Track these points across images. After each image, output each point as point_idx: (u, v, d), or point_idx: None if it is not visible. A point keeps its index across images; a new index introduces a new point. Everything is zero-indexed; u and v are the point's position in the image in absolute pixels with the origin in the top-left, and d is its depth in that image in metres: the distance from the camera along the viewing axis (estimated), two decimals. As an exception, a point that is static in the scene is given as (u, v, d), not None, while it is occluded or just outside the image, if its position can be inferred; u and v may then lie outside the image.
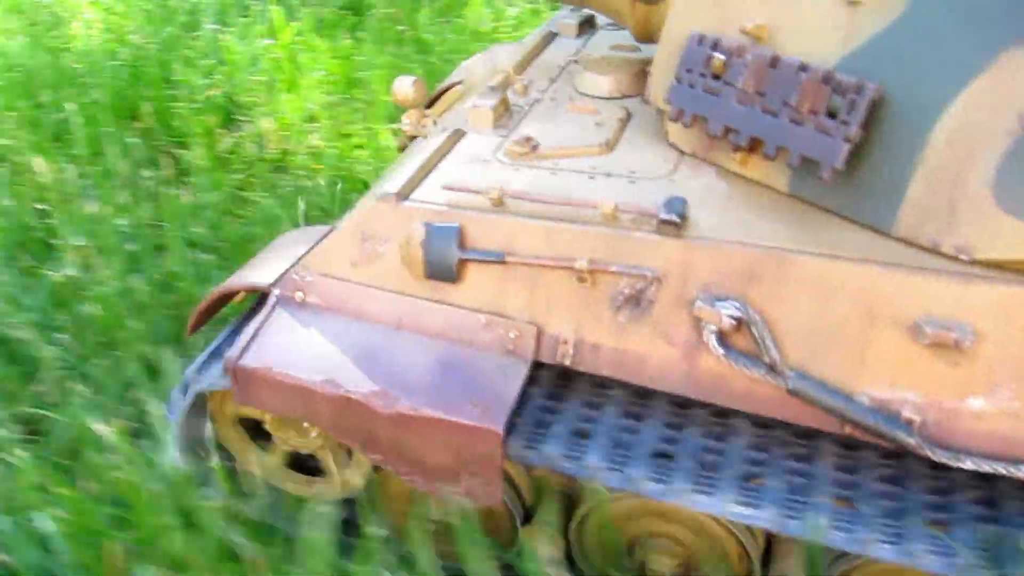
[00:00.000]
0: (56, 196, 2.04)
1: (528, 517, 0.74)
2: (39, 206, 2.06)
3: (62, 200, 2.02)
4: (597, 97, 0.80)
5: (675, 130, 0.69)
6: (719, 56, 0.57)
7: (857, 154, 0.49)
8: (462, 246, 0.57)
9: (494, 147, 0.68)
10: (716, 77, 0.55)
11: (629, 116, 0.78)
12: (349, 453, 0.81)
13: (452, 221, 0.56)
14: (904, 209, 0.46)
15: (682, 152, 0.66)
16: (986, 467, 0.44)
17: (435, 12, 3.03)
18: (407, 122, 0.85)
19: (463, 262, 0.58)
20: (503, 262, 0.55)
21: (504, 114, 0.77)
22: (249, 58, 2.69)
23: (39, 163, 2.11)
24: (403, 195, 0.61)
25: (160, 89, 2.56)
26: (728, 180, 0.58)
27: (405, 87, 0.77)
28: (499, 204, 0.57)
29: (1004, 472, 0.44)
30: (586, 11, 1.21)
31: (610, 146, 0.72)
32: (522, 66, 0.97)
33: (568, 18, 1.19)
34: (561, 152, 0.66)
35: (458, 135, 0.76)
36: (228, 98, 2.60)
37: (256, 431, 0.92)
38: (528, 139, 0.70)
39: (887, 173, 0.47)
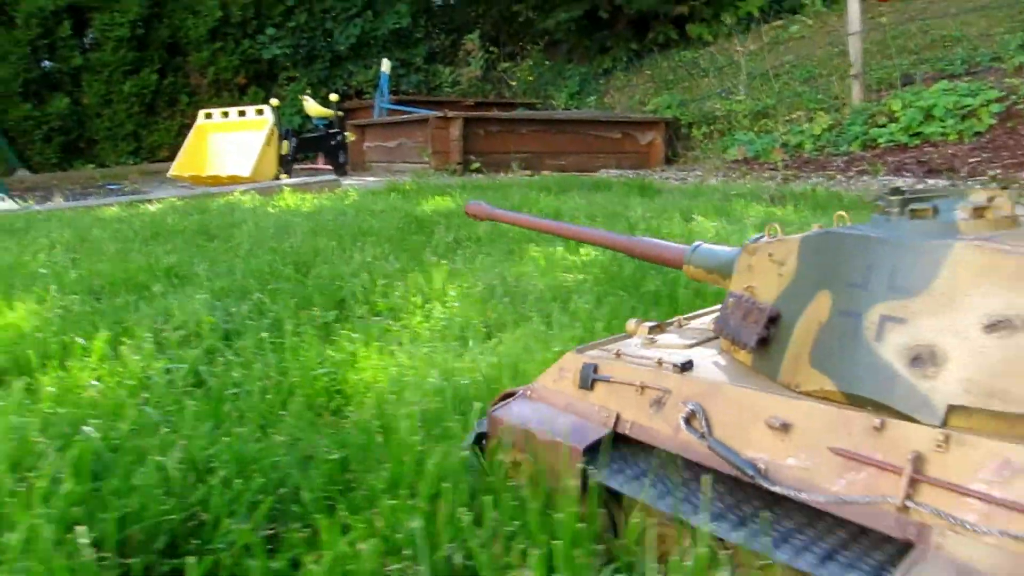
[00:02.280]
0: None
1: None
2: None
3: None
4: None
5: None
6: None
7: (764, 342, 0.99)
8: (595, 372, 1.11)
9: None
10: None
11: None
12: None
13: (593, 361, 1.11)
14: (782, 368, 0.95)
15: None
16: (791, 494, 0.84)
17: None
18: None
19: (594, 381, 1.11)
20: (609, 382, 1.09)
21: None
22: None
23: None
24: (581, 351, 1.17)
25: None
26: (724, 356, 1.09)
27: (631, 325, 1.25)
28: (617, 356, 1.11)
29: (796, 496, 0.84)
30: None
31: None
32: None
33: None
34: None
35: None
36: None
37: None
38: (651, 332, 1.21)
39: (777, 352, 0.97)
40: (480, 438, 1.21)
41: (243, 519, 0.97)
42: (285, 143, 6.87)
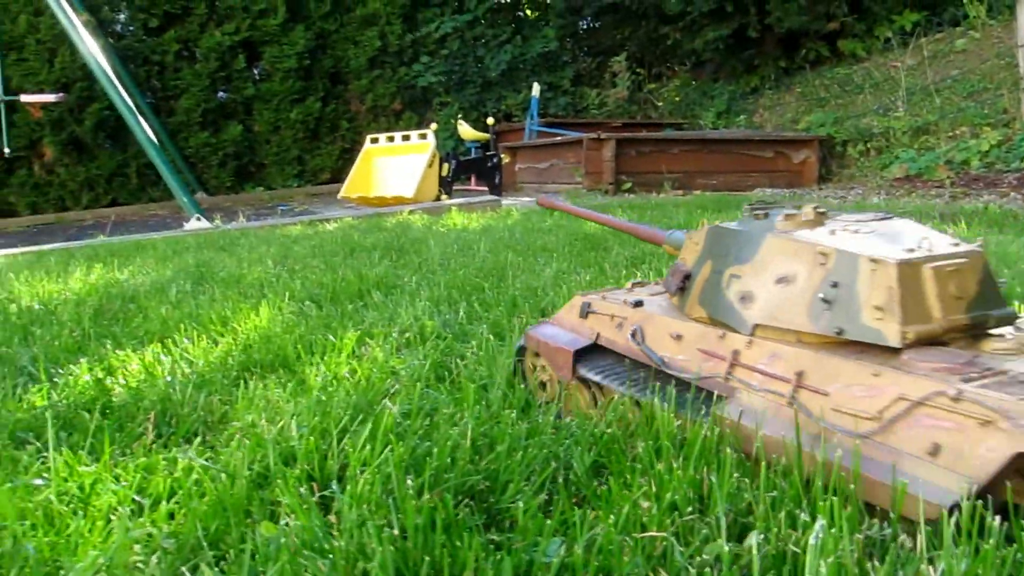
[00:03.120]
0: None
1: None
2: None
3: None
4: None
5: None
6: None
7: (681, 290, 1.46)
8: (588, 307, 1.61)
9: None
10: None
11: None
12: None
13: (588, 300, 1.62)
14: (687, 306, 1.44)
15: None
16: (677, 374, 1.37)
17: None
18: None
19: (588, 312, 1.60)
20: (595, 313, 1.59)
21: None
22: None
23: None
24: (584, 294, 1.68)
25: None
26: (665, 300, 1.55)
27: None
28: (603, 298, 1.61)
29: (679, 375, 1.37)
30: None
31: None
32: None
33: None
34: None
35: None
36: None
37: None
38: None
39: (686, 296, 1.45)
40: (521, 350, 1.74)
41: (525, 485, 1.13)
42: (445, 165, 7.18)
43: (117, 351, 1.96)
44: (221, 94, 10.72)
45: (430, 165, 6.89)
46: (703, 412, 1.27)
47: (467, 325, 2.07)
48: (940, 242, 1.18)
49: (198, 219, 5.91)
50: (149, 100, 10.13)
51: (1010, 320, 1.18)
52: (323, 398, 1.46)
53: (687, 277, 1.47)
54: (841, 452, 1.04)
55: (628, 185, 7.66)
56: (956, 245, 1.18)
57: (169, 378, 1.74)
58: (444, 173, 7.14)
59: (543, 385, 1.67)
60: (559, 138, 8.86)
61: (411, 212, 5.74)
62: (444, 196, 7.04)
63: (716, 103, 11.26)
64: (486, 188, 8.38)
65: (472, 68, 11.52)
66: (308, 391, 1.61)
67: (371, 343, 1.90)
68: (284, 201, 9.91)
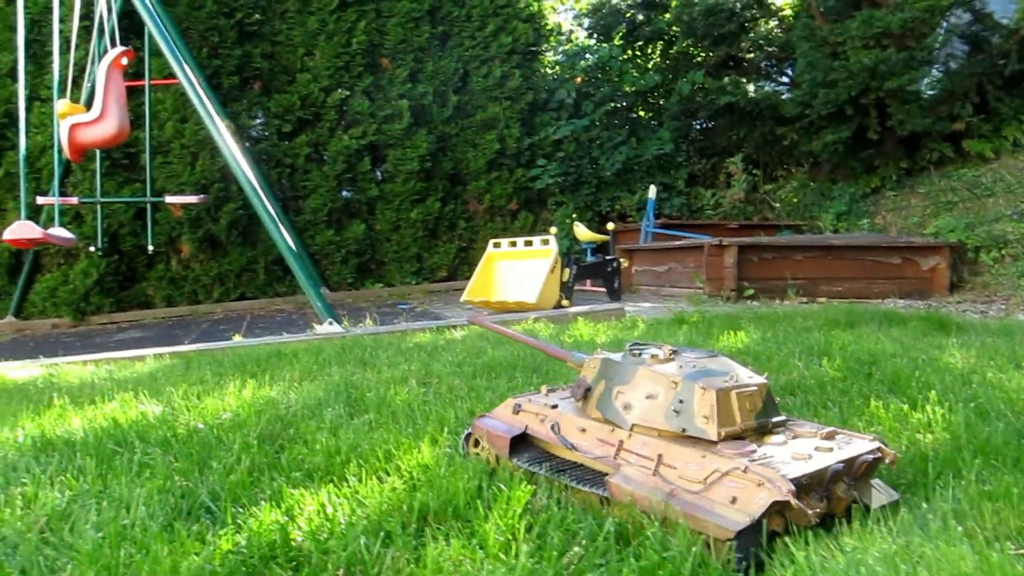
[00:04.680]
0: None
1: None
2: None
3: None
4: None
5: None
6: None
7: (584, 397, 2.03)
8: (519, 407, 2.21)
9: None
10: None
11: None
12: None
13: (519, 402, 2.24)
14: (587, 409, 2.03)
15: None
16: (583, 455, 1.94)
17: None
18: None
19: (518, 410, 2.20)
20: (524, 411, 2.18)
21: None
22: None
23: None
24: (515, 397, 2.29)
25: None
26: (572, 403, 2.14)
27: None
28: (529, 400, 2.23)
29: (584, 455, 1.95)
30: None
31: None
32: None
33: None
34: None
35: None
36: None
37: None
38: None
39: (588, 402, 2.02)
40: (467, 436, 2.31)
41: None
42: (566, 270, 7.24)
43: (292, 490, 2.01)
44: (346, 193, 11.16)
45: (552, 271, 6.96)
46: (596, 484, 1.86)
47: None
48: (743, 374, 1.87)
49: (330, 323, 6.10)
50: (280, 199, 10.65)
51: (783, 423, 1.89)
52: (511, 560, 1.45)
53: (588, 389, 2.04)
54: (683, 502, 1.65)
55: (750, 292, 7.55)
56: (751, 377, 1.87)
57: (344, 522, 1.77)
58: (565, 279, 7.20)
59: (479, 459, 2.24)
60: (679, 242, 8.85)
61: (535, 320, 5.78)
62: (565, 302, 7.08)
63: (835, 204, 11.08)
64: (603, 290, 8.40)
65: (587, 169, 11.70)
66: (488, 552, 1.61)
67: (540, 493, 1.89)
68: (403, 300, 10.15)
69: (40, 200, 8.85)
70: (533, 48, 12.01)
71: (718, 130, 13.03)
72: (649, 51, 14.49)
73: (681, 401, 1.79)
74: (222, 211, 10.35)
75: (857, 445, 1.78)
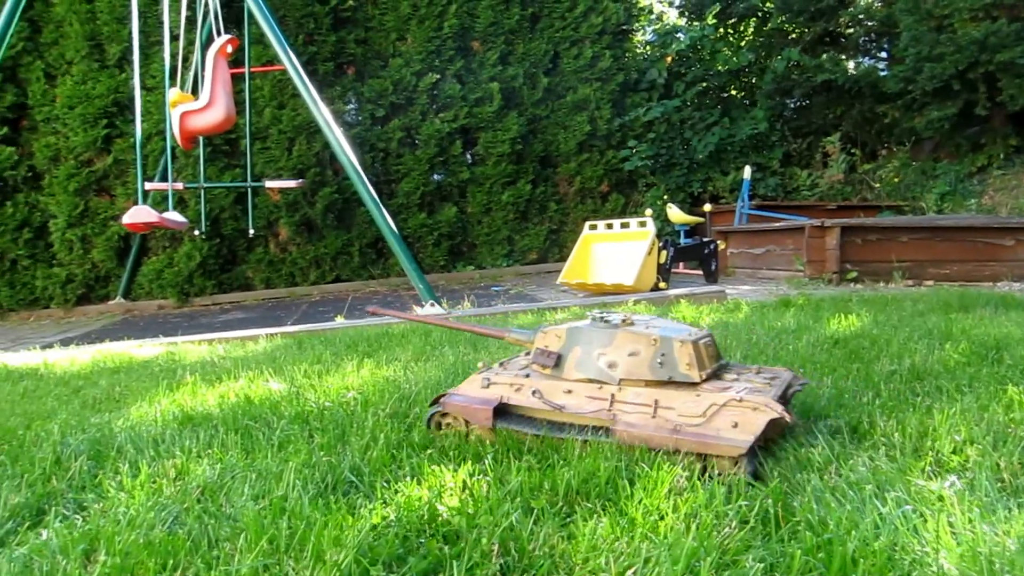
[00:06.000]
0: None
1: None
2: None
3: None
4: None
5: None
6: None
7: (556, 364, 2.21)
8: (489, 381, 2.34)
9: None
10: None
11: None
12: None
13: (487, 376, 2.36)
14: (563, 372, 2.22)
15: None
16: (573, 413, 2.15)
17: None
18: None
19: (490, 384, 2.34)
20: (497, 383, 2.31)
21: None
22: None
23: None
24: (481, 371, 2.43)
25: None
26: (536, 372, 2.31)
27: None
28: (497, 373, 2.38)
29: (574, 413, 2.15)
30: None
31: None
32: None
33: None
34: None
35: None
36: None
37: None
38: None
39: (560, 366, 2.22)
40: (431, 417, 2.41)
41: None
42: (663, 252, 7.18)
43: (431, 466, 2.05)
44: (436, 177, 11.27)
45: (650, 253, 6.91)
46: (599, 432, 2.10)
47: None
48: (694, 330, 2.20)
49: (432, 305, 6.18)
50: (373, 183, 10.82)
51: (726, 366, 2.26)
52: (665, 540, 1.45)
53: (560, 356, 2.22)
54: (689, 433, 1.94)
55: (853, 274, 7.36)
56: (701, 330, 2.20)
57: (487, 498, 1.80)
58: (662, 261, 7.14)
59: (447, 434, 2.35)
60: (777, 223, 8.68)
61: (636, 302, 5.76)
62: (663, 284, 7.03)
63: (939, 184, 10.70)
64: (698, 273, 8.30)
65: (679, 150, 11.55)
66: (635, 530, 1.61)
67: (683, 475, 1.89)
68: (496, 281, 10.21)
69: (148, 186, 9.18)
70: (624, 28, 11.88)
71: (814, 109, 12.70)
72: (742, 29, 14.19)
73: (663, 354, 2.08)
74: (318, 195, 10.57)
75: (784, 375, 2.21)
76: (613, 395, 2.10)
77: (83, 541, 1.67)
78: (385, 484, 1.97)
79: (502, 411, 2.24)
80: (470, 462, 2.10)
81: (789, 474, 1.91)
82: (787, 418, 1.91)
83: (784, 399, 2.09)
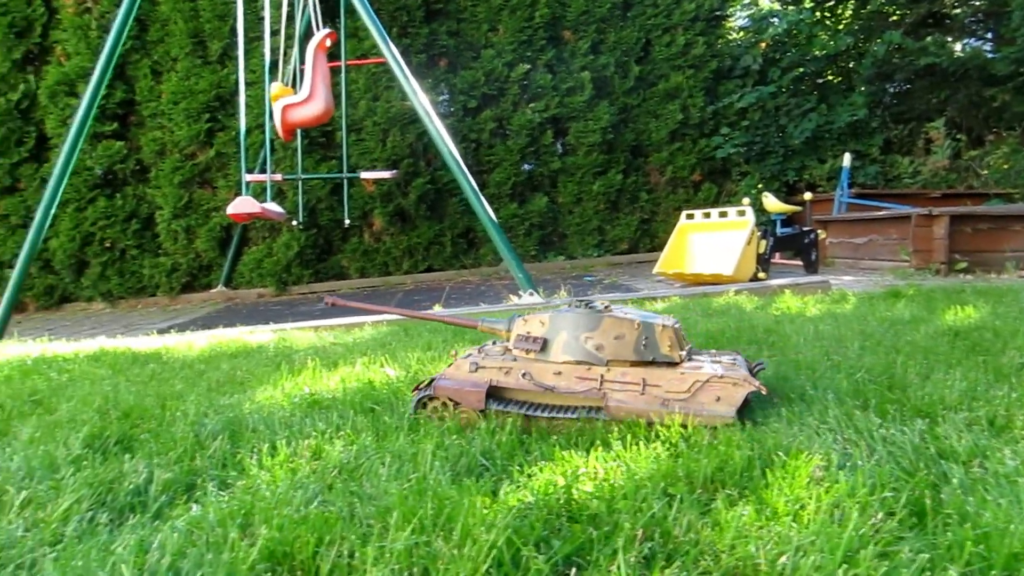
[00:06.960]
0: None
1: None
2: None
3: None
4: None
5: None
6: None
7: (543, 348, 2.39)
8: (477, 365, 2.45)
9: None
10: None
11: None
12: None
13: (475, 362, 2.47)
14: (551, 355, 2.39)
15: None
16: (564, 393, 2.34)
17: None
18: None
19: (478, 368, 2.45)
20: (485, 368, 2.43)
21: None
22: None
23: None
24: (466, 357, 2.51)
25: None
26: (521, 357, 2.46)
27: None
28: (484, 358, 2.48)
29: (565, 392, 2.34)
30: None
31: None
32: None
33: None
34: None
35: None
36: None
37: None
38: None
39: (546, 350, 2.40)
40: (419, 403, 2.49)
41: None
42: (763, 242, 7.06)
43: (563, 452, 2.07)
44: (527, 166, 11.30)
45: (749, 243, 6.80)
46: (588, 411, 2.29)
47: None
48: (664, 316, 2.41)
49: (531, 294, 6.22)
50: (465, 174, 10.92)
51: (693, 350, 2.50)
52: (809, 529, 1.44)
53: (545, 340, 2.38)
54: (677, 407, 2.18)
55: (963, 265, 7.11)
56: (670, 318, 2.40)
57: (621, 484, 1.81)
58: (761, 250, 7.02)
59: (440, 418, 2.44)
60: (880, 212, 8.44)
61: (737, 292, 5.68)
62: (762, 274, 6.91)
63: (1052, 171, 10.23)
64: (797, 263, 8.13)
65: (774, 138, 11.32)
66: (778, 518, 1.61)
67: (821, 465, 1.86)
68: (587, 271, 10.20)
69: (248, 178, 9.46)
70: (717, 14, 11.68)
71: (916, 93, 12.27)
72: (839, 12, 13.79)
73: (646, 338, 2.31)
74: (411, 186, 10.73)
75: (739, 357, 2.50)
76: (602, 375, 2.29)
77: (239, 515, 1.75)
78: (519, 468, 2.00)
79: (491, 394, 2.37)
80: (598, 449, 2.11)
81: (933, 465, 1.87)
82: (763, 391, 2.21)
83: (752, 375, 2.37)
